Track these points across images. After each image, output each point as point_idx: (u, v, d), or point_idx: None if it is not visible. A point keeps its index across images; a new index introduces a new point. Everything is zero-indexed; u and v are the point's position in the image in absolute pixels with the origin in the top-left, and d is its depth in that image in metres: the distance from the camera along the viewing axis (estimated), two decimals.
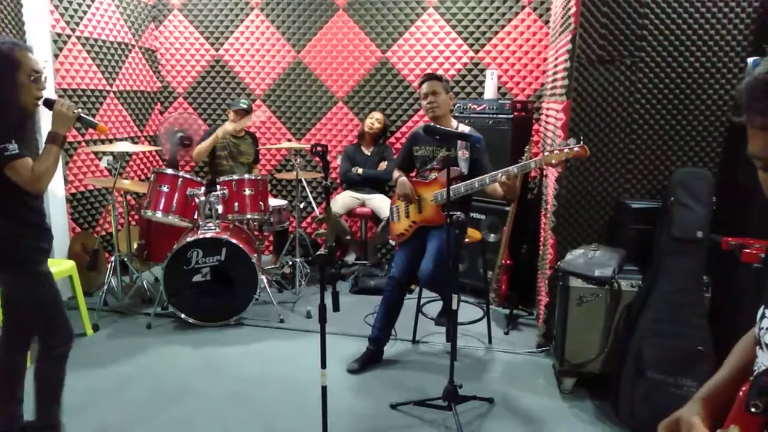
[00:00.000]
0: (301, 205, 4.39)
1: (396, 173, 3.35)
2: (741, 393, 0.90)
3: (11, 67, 2.00)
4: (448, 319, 3.16)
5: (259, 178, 4.01)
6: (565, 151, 2.66)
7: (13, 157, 1.98)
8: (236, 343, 3.50)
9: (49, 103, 2.15)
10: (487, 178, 2.89)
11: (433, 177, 3.17)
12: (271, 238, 5.08)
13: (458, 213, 2.70)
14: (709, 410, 1.03)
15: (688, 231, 2.61)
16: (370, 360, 3.28)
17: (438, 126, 2.90)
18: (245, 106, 4.42)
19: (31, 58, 2.06)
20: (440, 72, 3.81)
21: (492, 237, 4.13)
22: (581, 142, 2.66)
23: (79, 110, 2.18)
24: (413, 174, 3.34)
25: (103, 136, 4.39)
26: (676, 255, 2.62)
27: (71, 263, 3.54)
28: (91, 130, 4.44)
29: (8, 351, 2.32)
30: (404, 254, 3.30)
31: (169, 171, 3.85)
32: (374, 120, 4.68)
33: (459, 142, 3.13)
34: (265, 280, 3.93)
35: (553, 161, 2.71)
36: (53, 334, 2.23)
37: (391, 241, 3.58)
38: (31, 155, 2.06)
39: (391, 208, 3.38)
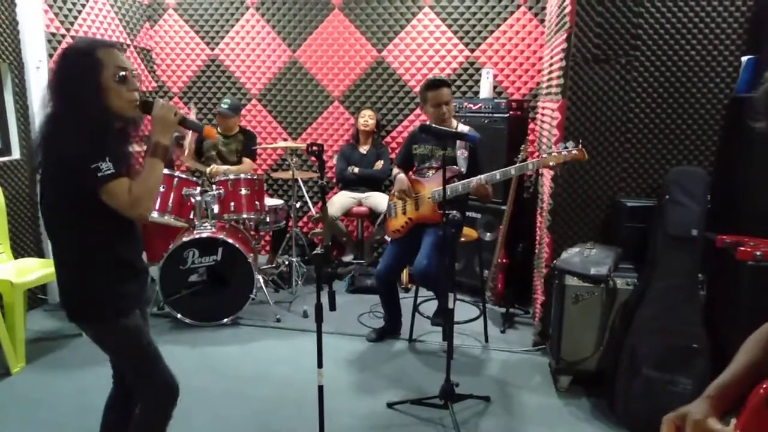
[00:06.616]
0: (298, 205, 4.38)
1: (395, 170, 3.37)
2: (762, 390, 0.90)
3: (93, 68, 1.64)
4: (444, 318, 3.18)
5: (255, 177, 3.99)
6: (564, 153, 2.67)
7: (109, 177, 1.60)
8: (233, 342, 3.50)
9: (146, 106, 1.75)
10: (484, 178, 2.90)
11: (431, 175, 3.18)
12: (267, 238, 5.07)
13: (454, 212, 2.71)
14: (718, 408, 1.04)
15: (683, 229, 2.62)
16: (386, 332, 3.51)
17: (434, 126, 2.90)
18: (225, 107, 4.39)
19: (115, 55, 1.68)
20: (441, 75, 3.73)
21: (488, 236, 4.14)
22: (579, 145, 2.67)
23: (182, 112, 1.79)
24: (412, 171, 3.35)
25: None
26: (671, 253, 2.63)
27: None
28: None
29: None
30: (393, 251, 3.34)
31: (165, 171, 3.82)
32: (366, 117, 4.68)
33: (458, 141, 3.14)
34: (261, 280, 3.93)
35: (551, 163, 2.72)
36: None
37: (386, 237, 3.60)
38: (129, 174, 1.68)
39: (388, 205, 3.40)
